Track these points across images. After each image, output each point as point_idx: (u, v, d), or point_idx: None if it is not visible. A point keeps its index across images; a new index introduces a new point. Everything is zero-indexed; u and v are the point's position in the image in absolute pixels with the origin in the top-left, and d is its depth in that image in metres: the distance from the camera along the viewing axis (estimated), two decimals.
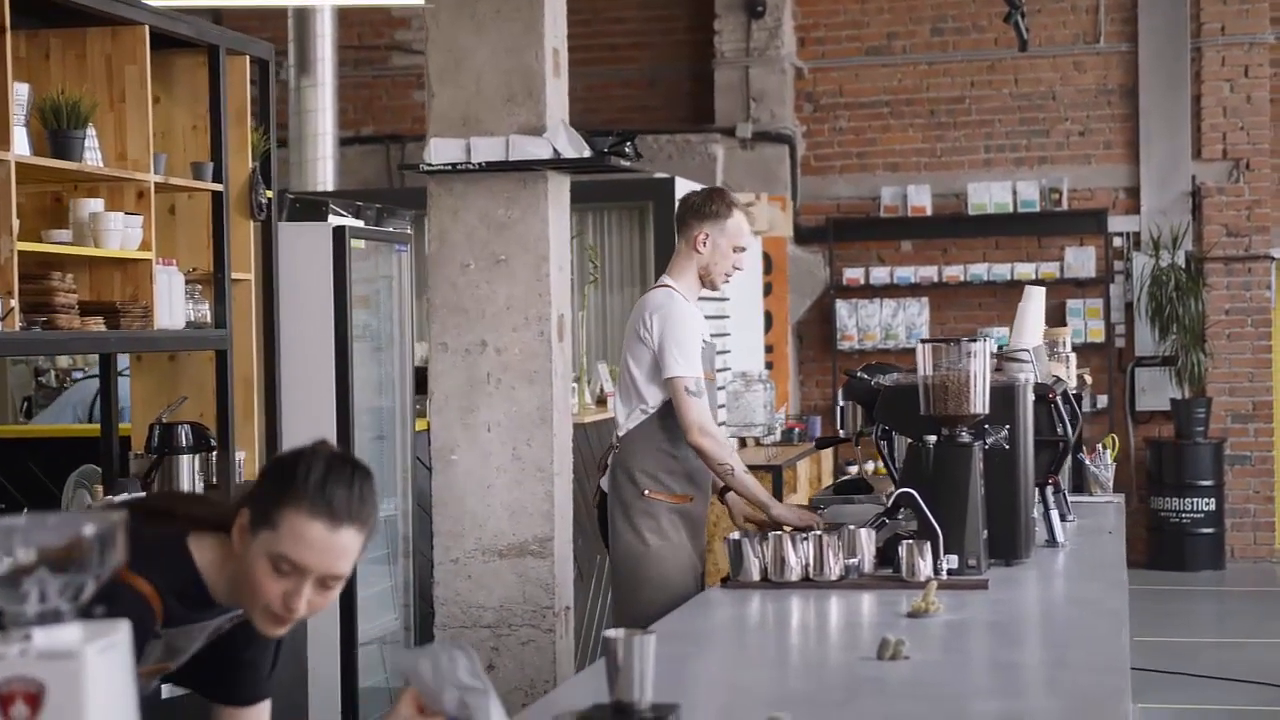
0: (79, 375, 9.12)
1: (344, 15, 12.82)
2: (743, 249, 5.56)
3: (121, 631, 1.82)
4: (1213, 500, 12.56)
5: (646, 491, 5.38)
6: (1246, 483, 12.92)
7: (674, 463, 5.39)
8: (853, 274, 13.25)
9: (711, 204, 5.52)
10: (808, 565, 4.35)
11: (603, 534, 5.62)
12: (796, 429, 11.64)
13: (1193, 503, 12.54)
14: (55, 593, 1.79)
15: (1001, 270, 12.98)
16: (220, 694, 2.97)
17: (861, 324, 13.25)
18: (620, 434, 5.49)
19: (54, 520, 1.80)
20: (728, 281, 5.68)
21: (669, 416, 5.34)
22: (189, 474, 5.58)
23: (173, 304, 5.47)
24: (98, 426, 5.97)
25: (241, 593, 2.70)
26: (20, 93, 4.90)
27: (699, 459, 5.32)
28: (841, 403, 5.24)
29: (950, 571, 4.35)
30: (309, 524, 2.60)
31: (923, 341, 4.55)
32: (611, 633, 2.76)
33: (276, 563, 2.62)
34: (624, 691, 2.76)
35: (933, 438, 4.49)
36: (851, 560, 4.38)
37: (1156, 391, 12.90)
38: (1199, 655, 9.58)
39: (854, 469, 12.55)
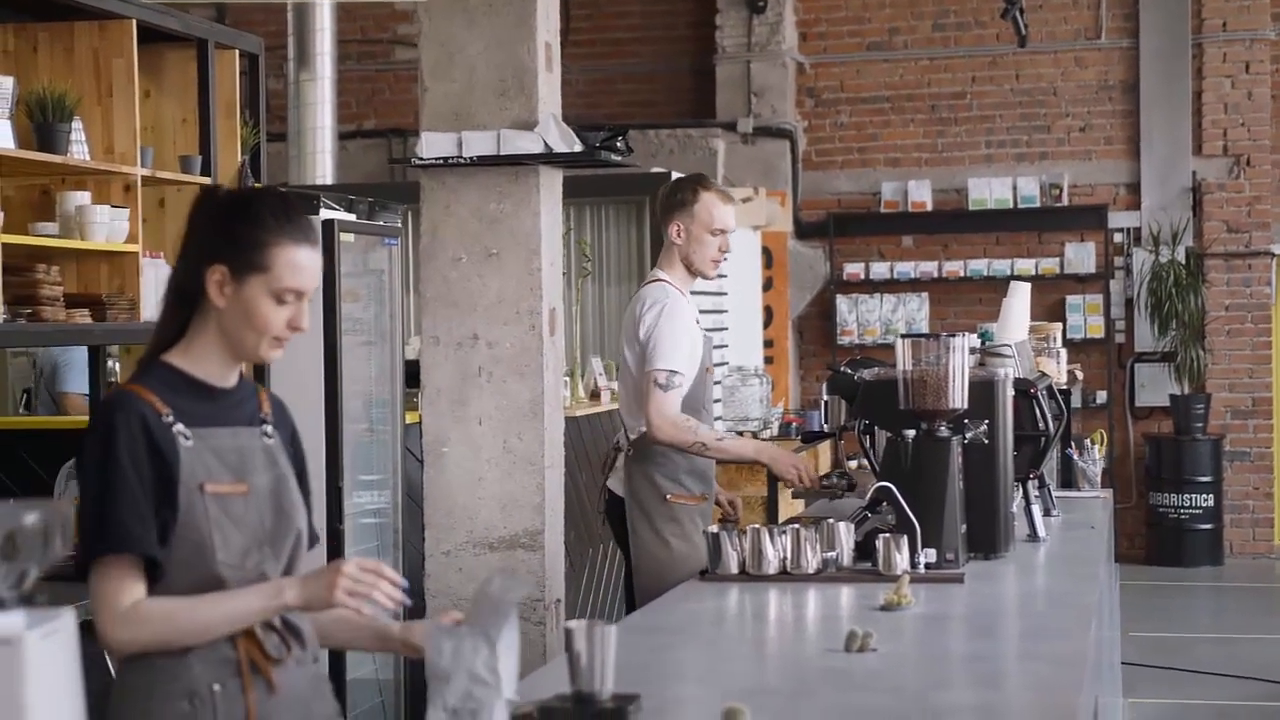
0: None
1: (348, 9, 12.85)
2: (721, 231, 5.44)
3: (65, 618, 1.85)
4: (1211, 496, 12.56)
5: (669, 496, 5.33)
6: (1245, 479, 12.92)
7: (691, 462, 5.35)
8: (853, 269, 13.26)
9: (677, 193, 5.46)
10: (785, 558, 4.36)
11: (617, 536, 5.53)
12: (795, 423, 11.64)
13: (1191, 498, 12.55)
14: None
15: (1002, 266, 12.98)
16: None
17: (862, 319, 13.26)
18: (633, 436, 5.40)
19: None
20: (718, 267, 5.55)
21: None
22: None
23: (159, 296, 5.49)
24: (86, 419, 5.98)
25: (237, 340, 2.90)
26: (5, 86, 4.93)
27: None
28: (825, 397, 5.25)
29: (928, 565, 4.36)
30: (297, 252, 2.88)
31: (902, 336, 4.57)
32: (572, 624, 2.79)
33: (280, 296, 2.87)
34: (585, 682, 2.79)
35: (911, 432, 4.50)
36: (830, 554, 4.39)
37: (1156, 387, 12.90)
38: (1195, 650, 9.59)
39: (854, 464, 12.56)
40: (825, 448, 11.75)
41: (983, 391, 4.64)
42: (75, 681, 1.86)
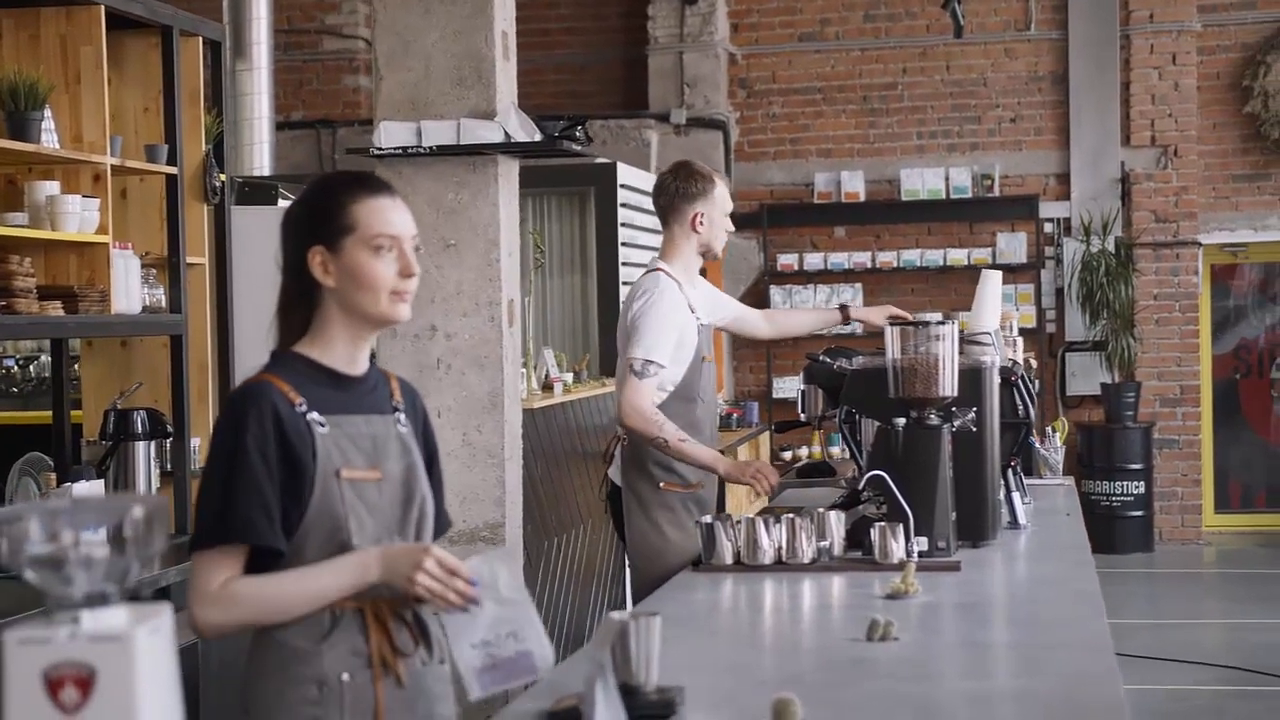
0: (11, 361, 8.99)
1: None
2: (729, 212, 5.57)
3: (165, 614, 1.80)
4: (1142, 483, 12.71)
5: (662, 484, 5.28)
6: (1175, 466, 13.07)
7: None
8: (787, 260, 13.29)
9: (695, 183, 5.45)
10: (780, 548, 4.35)
11: (617, 526, 5.47)
12: (734, 415, 11.67)
13: (1122, 486, 12.68)
14: (102, 575, 1.77)
15: (934, 256, 13.05)
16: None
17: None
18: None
19: (99, 502, 1.78)
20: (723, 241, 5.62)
21: (675, 404, 5.24)
22: (144, 460, 5.51)
23: (129, 288, 5.40)
24: (49, 414, 5.86)
25: (359, 309, 2.94)
26: None
27: (710, 444, 5.27)
28: (802, 386, 5.23)
29: (920, 553, 4.36)
30: (376, 202, 2.95)
31: (891, 324, 4.56)
32: (617, 615, 2.76)
33: (375, 246, 2.92)
34: (630, 673, 2.76)
35: (902, 420, 4.50)
36: (822, 543, 4.39)
37: (1087, 376, 13.03)
38: (1130, 636, 9.68)
39: (788, 454, 12.60)
40: (765, 437, 11.78)
41: (970, 379, 4.65)
42: (175, 675, 1.82)
